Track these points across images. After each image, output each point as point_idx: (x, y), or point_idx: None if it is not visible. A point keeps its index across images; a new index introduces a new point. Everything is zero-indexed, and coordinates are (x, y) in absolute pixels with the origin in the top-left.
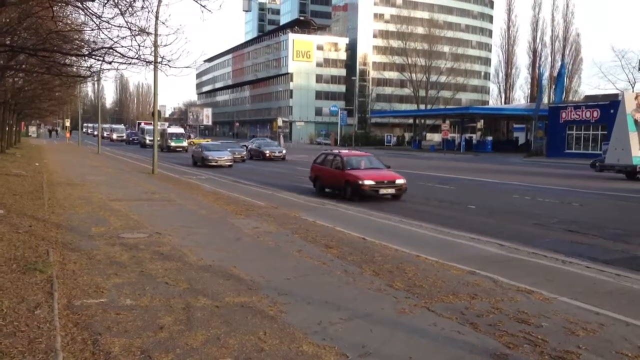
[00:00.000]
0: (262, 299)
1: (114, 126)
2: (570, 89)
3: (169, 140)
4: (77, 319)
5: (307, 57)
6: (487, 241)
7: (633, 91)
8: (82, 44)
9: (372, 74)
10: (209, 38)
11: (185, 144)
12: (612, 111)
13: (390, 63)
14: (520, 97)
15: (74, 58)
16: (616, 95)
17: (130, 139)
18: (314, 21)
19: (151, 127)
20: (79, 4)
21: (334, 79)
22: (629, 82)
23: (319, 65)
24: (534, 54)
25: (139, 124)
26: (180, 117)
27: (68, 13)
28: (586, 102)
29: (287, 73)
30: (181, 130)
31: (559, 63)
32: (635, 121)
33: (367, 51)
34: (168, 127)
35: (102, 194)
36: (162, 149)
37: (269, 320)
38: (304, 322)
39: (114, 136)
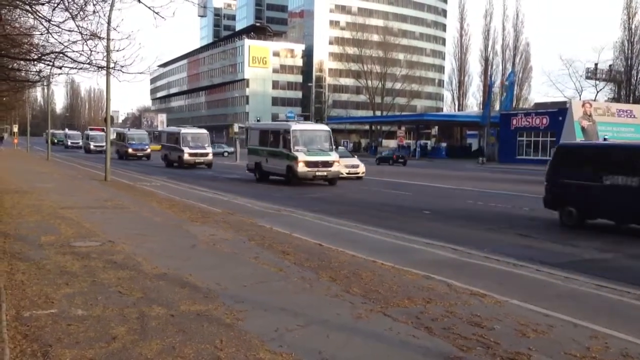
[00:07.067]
0: (218, 307)
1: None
2: (521, 96)
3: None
4: (26, 330)
5: (263, 63)
6: (442, 246)
7: (580, 99)
8: (31, 47)
9: (329, 80)
10: (163, 43)
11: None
12: (560, 118)
13: (346, 70)
14: (473, 104)
15: (22, 62)
16: (564, 103)
17: None
18: (270, 27)
19: (96, 133)
20: (27, 8)
21: (290, 86)
22: (577, 90)
23: (275, 71)
24: (486, 62)
25: (92, 129)
26: (133, 123)
27: (16, 16)
28: (536, 109)
29: (243, 79)
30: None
31: (510, 71)
32: (583, 128)
33: (323, 58)
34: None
35: (53, 202)
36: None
37: (225, 328)
38: (260, 330)
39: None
